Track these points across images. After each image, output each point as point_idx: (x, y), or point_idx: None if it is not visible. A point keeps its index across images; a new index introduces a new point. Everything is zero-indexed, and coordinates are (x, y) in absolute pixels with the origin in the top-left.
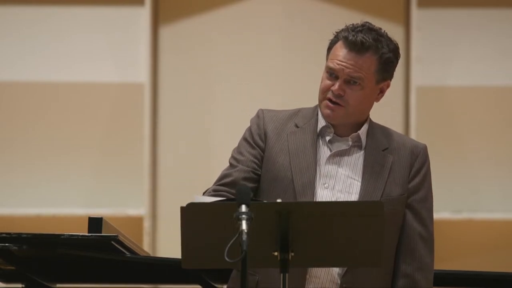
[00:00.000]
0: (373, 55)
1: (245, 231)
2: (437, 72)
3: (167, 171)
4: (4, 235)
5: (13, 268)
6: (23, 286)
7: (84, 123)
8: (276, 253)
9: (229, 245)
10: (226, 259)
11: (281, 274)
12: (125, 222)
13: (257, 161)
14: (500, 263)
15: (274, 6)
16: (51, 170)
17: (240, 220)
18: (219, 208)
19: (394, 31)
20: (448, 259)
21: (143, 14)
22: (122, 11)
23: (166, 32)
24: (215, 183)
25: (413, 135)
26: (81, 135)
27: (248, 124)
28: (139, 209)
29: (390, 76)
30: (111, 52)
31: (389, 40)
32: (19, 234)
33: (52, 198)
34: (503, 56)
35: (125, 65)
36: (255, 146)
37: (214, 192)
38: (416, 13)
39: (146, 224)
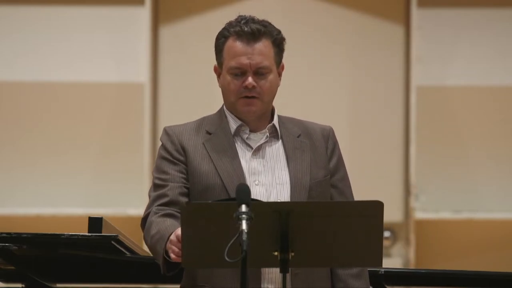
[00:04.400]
0: (268, 40)
1: (245, 231)
2: (437, 72)
3: None
4: (4, 235)
5: (13, 268)
6: (23, 286)
7: (84, 123)
8: (276, 253)
9: (229, 245)
10: (226, 259)
11: (282, 274)
12: (125, 222)
13: (184, 175)
14: (500, 263)
15: (274, 6)
16: (51, 170)
17: (240, 220)
18: (219, 208)
19: (394, 31)
20: (448, 259)
21: (143, 14)
22: (122, 11)
23: (166, 32)
24: (150, 205)
25: (413, 135)
26: (81, 135)
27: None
28: (139, 209)
29: (282, 58)
30: (111, 52)
31: (270, 23)
32: (19, 234)
33: (52, 198)
34: (503, 56)
35: (125, 65)
36: (177, 162)
37: (159, 212)
38: (416, 13)
39: None
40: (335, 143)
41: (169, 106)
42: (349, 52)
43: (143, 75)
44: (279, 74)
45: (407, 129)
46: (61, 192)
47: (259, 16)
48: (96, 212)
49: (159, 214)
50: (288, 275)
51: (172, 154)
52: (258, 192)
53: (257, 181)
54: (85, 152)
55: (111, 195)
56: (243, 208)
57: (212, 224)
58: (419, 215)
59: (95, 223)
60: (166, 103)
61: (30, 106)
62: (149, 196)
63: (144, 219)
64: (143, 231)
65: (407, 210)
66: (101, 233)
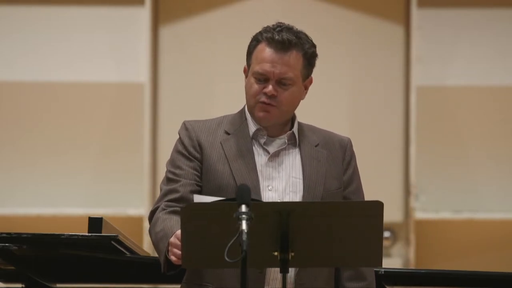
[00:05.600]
0: (298, 52)
1: (245, 231)
2: (437, 72)
3: None
4: (4, 235)
5: (13, 268)
6: (23, 286)
7: (84, 123)
8: (276, 253)
9: (229, 245)
10: (226, 259)
11: (281, 274)
12: (125, 222)
13: (197, 173)
14: (500, 263)
15: (274, 6)
16: (51, 170)
17: (240, 220)
18: (219, 208)
19: (394, 31)
20: (448, 259)
21: (143, 14)
22: (122, 11)
23: (166, 32)
24: (160, 199)
25: (413, 135)
26: (81, 135)
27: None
28: (139, 209)
29: (312, 72)
30: (111, 52)
31: (306, 36)
32: (19, 234)
33: (52, 198)
34: (502, 56)
35: (125, 65)
36: (192, 158)
37: (167, 208)
38: (416, 13)
39: (146, 224)
40: (352, 155)
41: (169, 106)
42: (349, 52)
43: (143, 75)
44: (305, 87)
45: (407, 129)
46: (61, 192)
47: (260, 15)
48: (96, 212)
49: (167, 210)
50: (292, 281)
51: (188, 149)
52: (270, 197)
53: (271, 186)
54: (85, 152)
55: (111, 195)
56: (243, 208)
57: (212, 224)
58: (419, 215)
59: (95, 223)
60: (166, 103)
61: (30, 106)
62: (161, 188)
63: (152, 213)
64: (150, 224)
65: (407, 210)
66: (101, 233)
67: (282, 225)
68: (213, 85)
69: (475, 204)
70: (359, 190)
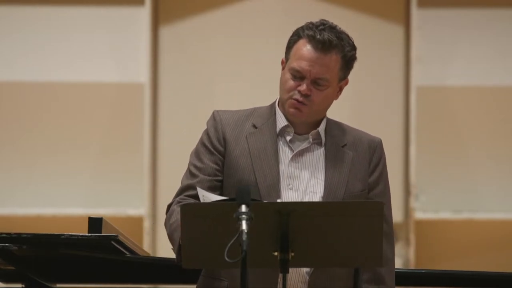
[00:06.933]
0: (338, 54)
1: (245, 231)
2: (437, 72)
3: (167, 171)
4: (4, 235)
5: (13, 268)
6: (23, 286)
7: (84, 123)
8: (276, 253)
9: (229, 245)
10: (226, 259)
11: (281, 274)
12: (125, 222)
13: (218, 167)
14: (500, 263)
15: (274, 6)
16: (51, 170)
17: (240, 220)
18: (219, 208)
19: (394, 31)
20: (448, 259)
21: (143, 14)
22: (122, 11)
23: (166, 32)
24: (178, 193)
25: (413, 135)
26: (81, 135)
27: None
28: (139, 209)
29: (348, 74)
30: (111, 52)
31: (348, 37)
32: (19, 234)
33: (52, 198)
34: (503, 56)
35: (125, 65)
36: (214, 152)
37: (182, 201)
38: (416, 13)
39: (146, 224)
40: (381, 157)
41: (169, 106)
42: None
43: (143, 75)
44: (340, 89)
45: (407, 129)
46: (61, 192)
47: (260, 15)
48: (96, 212)
49: (181, 203)
50: (305, 280)
51: (212, 142)
52: (290, 196)
53: (291, 185)
54: (85, 152)
55: (111, 195)
56: (243, 208)
57: (212, 224)
58: (419, 215)
59: (95, 223)
60: (166, 103)
61: (30, 106)
62: (182, 181)
63: (169, 206)
64: (165, 218)
65: (407, 210)
66: (101, 233)
67: (282, 225)
68: (213, 85)
69: (475, 204)
70: (384, 193)
